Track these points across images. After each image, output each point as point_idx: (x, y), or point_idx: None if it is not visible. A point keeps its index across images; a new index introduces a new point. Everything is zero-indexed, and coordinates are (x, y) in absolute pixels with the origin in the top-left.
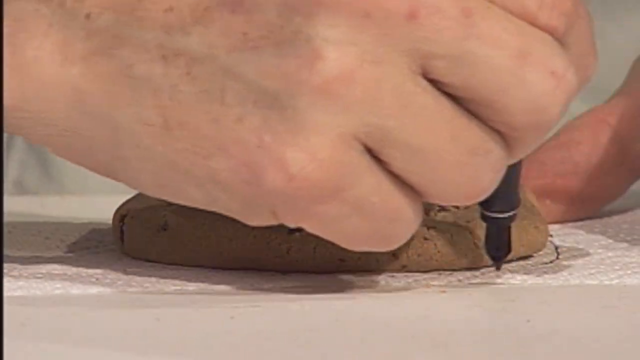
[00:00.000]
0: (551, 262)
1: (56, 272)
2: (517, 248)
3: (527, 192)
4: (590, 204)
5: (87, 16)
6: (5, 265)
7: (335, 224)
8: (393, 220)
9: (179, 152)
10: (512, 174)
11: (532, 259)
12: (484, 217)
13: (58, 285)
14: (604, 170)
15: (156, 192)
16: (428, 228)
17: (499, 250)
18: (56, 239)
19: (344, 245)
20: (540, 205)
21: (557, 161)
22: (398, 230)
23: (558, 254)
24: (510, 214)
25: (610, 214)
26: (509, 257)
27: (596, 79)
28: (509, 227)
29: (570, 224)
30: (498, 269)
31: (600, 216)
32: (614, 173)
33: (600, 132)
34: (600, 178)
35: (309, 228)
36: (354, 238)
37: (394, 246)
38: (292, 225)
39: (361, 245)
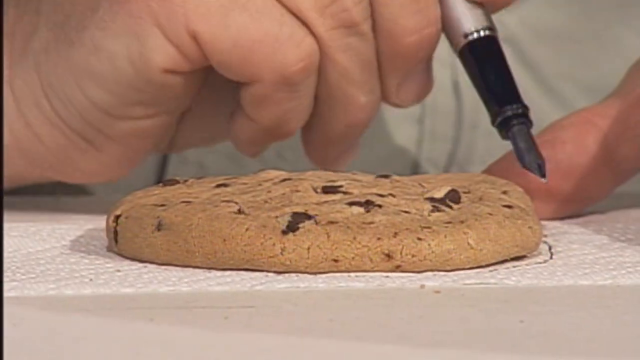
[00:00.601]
0: (545, 262)
1: (50, 272)
2: (511, 248)
3: (521, 193)
4: (571, 203)
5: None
6: None
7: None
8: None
9: None
10: (495, 67)
11: (526, 259)
12: (501, 134)
13: (52, 286)
14: (586, 171)
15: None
16: (422, 228)
17: (535, 159)
18: (50, 240)
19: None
20: None
21: None
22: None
23: (552, 254)
24: (516, 110)
25: (603, 214)
26: (501, 258)
27: (610, 84)
28: (530, 134)
29: (564, 225)
30: (543, 176)
31: (594, 216)
32: (597, 174)
33: (585, 133)
34: (583, 178)
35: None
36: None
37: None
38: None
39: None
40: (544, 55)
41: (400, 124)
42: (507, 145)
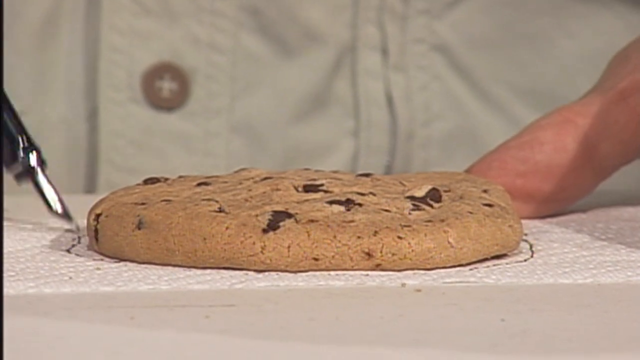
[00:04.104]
0: (525, 260)
1: (29, 271)
2: (491, 247)
3: (501, 191)
4: (552, 203)
5: None
6: None
7: None
8: None
9: None
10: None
11: (506, 257)
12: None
13: (31, 284)
14: (567, 170)
15: None
16: (402, 227)
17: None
18: (30, 239)
19: None
20: None
21: (519, 160)
22: None
23: (532, 252)
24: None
25: (584, 212)
26: (482, 257)
27: (546, 87)
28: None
29: (545, 223)
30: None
31: (575, 215)
32: (578, 173)
33: (565, 132)
34: (563, 178)
35: None
36: None
37: None
38: None
39: None
40: (478, 61)
41: (336, 139)
42: (445, 157)
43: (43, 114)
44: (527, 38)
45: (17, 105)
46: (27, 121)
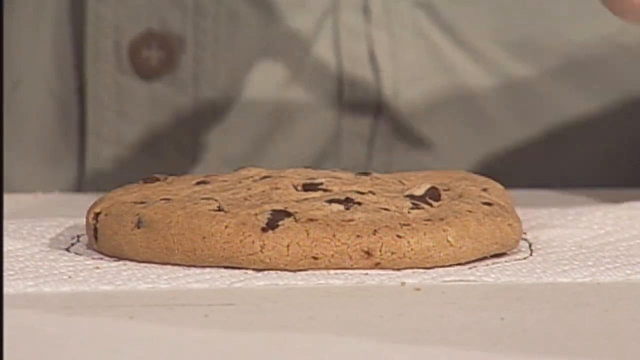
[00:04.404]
0: (525, 259)
1: (28, 270)
2: (490, 245)
3: (501, 190)
4: None
5: None
6: None
7: None
8: None
9: None
10: None
11: (505, 256)
12: None
13: (30, 284)
14: None
15: None
16: (401, 225)
17: None
18: (30, 238)
19: None
20: None
21: None
22: None
23: (532, 251)
24: None
25: (584, 211)
26: (481, 255)
27: (531, 37)
28: None
29: (544, 222)
30: None
31: (574, 214)
32: None
33: None
34: None
35: None
36: None
37: None
38: None
39: None
40: (461, 15)
41: (320, 100)
42: (430, 114)
43: (33, 86)
44: None
45: (10, 78)
46: (19, 93)
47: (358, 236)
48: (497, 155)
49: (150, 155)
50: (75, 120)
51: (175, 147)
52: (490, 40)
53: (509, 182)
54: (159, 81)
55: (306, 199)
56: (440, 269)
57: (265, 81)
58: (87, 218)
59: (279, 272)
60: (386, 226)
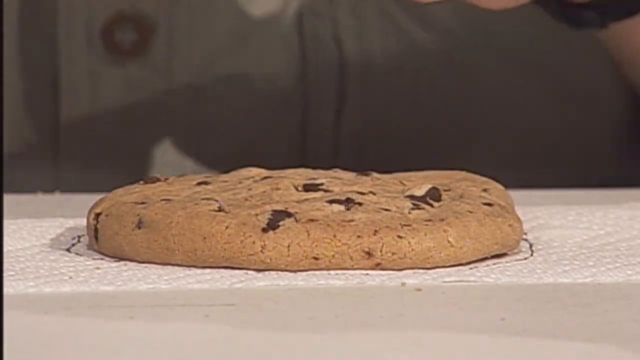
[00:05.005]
0: (525, 259)
1: (29, 270)
2: (491, 246)
3: (502, 190)
4: None
5: None
6: None
7: None
8: None
9: None
10: None
11: (506, 256)
12: None
13: (31, 284)
14: None
15: None
16: (402, 226)
17: None
18: (30, 238)
19: None
20: None
21: None
22: None
23: (532, 251)
24: None
25: (584, 211)
26: (481, 256)
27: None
28: None
29: (544, 222)
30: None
31: (574, 214)
32: None
33: None
34: None
35: None
36: None
37: None
38: None
39: None
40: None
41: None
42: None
43: (6, 73)
44: None
45: None
46: None
47: (359, 236)
48: (462, 146)
49: (122, 138)
50: (48, 104)
51: (149, 130)
52: (456, 21)
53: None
54: (132, 63)
55: (307, 200)
56: (441, 270)
57: (237, 64)
58: (87, 218)
59: (279, 272)
60: (387, 227)
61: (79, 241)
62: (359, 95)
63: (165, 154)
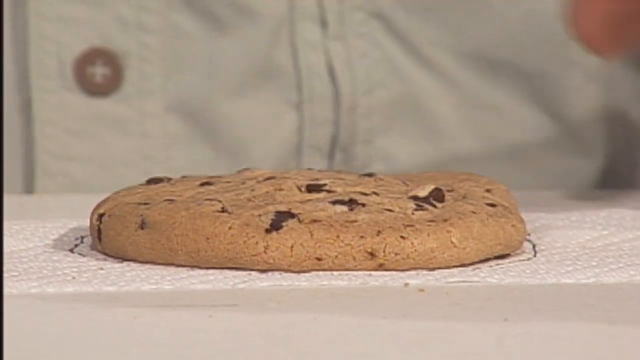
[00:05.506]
0: (528, 260)
1: (32, 270)
2: (494, 246)
3: (505, 191)
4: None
5: None
6: None
7: None
8: None
9: None
10: None
11: (509, 257)
12: None
13: (34, 284)
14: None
15: None
16: (405, 227)
17: None
18: (33, 238)
19: None
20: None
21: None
22: None
23: (535, 252)
24: None
25: (588, 212)
26: (485, 256)
27: (485, 49)
28: None
29: (548, 223)
30: None
31: (577, 214)
32: None
33: None
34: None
35: None
36: None
37: None
38: None
39: None
40: (416, 26)
41: (279, 113)
42: (389, 125)
43: None
44: (463, 1)
45: None
46: None
47: (362, 237)
48: (452, 166)
49: (100, 170)
50: (19, 138)
51: (124, 162)
52: (444, 51)
53: None
54: (105, 98)
55: (310, 200)
56: (444, 270)
57: (218, 94)
58: (90, 219)
59: (282, 273)
60: (390, 227)
61: (82, 242)
62: (351, 123)
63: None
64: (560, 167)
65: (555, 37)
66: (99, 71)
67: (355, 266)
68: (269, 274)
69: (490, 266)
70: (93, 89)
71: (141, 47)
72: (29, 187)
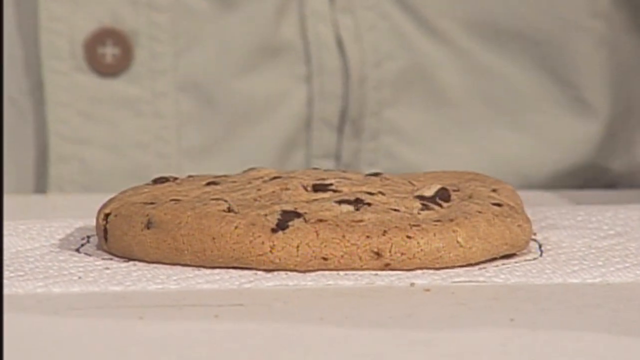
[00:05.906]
0: (534, 260)
1: (38, 270)
2: (500, 246)
3: (511, 190)
4: None
5: None
6: None
7: None
8: None
9: None
10: None
11: (515, 257)
12: None
13: (40, 284)
14: None
15: None
16: (411, 226)
17: None
18: (40, 238)
19: None
20: None
21: None
22: None
23: (541, 252)
24: None
25: (593, 211)
26: (491, 256)
27: (493, 19)
28: None
29: (553, 222)
30: None
31: (583, 214)
32: None
33: None
34: None
35: None
36: None
37: None
38: None
39: None
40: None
41: (288, 87)
42: (398, 97)
43: None
44: None
45: None
46: None
47: (368, 237)
48: (459, 135)
49: (113, 154)
50: (32, 121)
51: (137, 144)
52: (452, 21)
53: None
54: (116, 78)
55: (316, 200)
56: (450, 270)
57: (228, 71)
58: (97, 219)
59: (288, 272)
60: (396, 227)
61: (88, 241)
62: (360, 95)
63: (157, 164)
64: (564, 134)
65: (561, 4)
66: (109, 51)
67: (361, 266)
68: (275, 273)
69: (497, 266)
70: (103, 70)
71: (151, 26)
72: (43, 174)
